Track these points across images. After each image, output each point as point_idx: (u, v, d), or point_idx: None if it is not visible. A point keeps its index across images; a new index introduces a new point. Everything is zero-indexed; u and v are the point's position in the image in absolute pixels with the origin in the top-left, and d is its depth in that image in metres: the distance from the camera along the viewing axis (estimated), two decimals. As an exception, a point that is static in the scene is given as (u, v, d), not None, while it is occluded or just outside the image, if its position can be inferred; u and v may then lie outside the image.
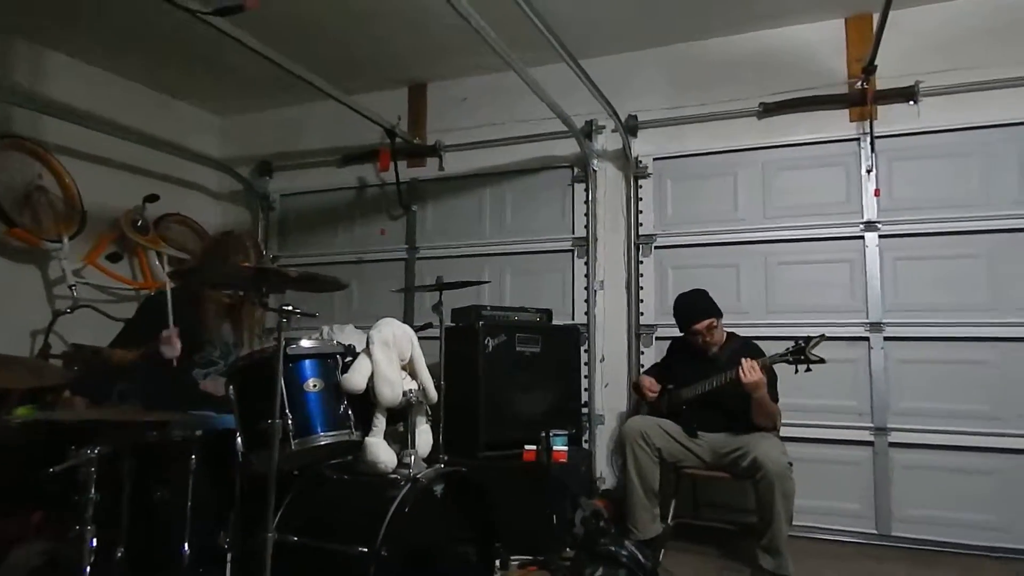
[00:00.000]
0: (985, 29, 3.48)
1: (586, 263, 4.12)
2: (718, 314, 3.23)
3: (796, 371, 2.95)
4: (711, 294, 3.31)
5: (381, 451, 2.25)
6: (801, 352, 2.89)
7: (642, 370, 3.88)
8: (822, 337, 2.91)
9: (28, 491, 2.79)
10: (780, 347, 2.99)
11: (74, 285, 3.85)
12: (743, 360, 2.96)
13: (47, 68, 4.05)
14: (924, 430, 3.40)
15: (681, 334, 3.34)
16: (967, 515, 3.30)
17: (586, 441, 3.94)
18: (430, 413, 2.48)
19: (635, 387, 3.56)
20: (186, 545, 2.06)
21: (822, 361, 2.89)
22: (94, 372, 3.32)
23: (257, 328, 2.82)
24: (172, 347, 2.34)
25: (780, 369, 3.09)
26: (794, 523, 2.96)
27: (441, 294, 3.15)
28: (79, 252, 4.04)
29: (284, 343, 2.01)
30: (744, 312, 3.74)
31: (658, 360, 3.73)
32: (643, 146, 4.09)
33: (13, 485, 2.84)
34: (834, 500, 3.51)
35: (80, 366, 3.47)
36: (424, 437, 2.41)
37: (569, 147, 4.16)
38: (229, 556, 2.07)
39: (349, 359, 2.33)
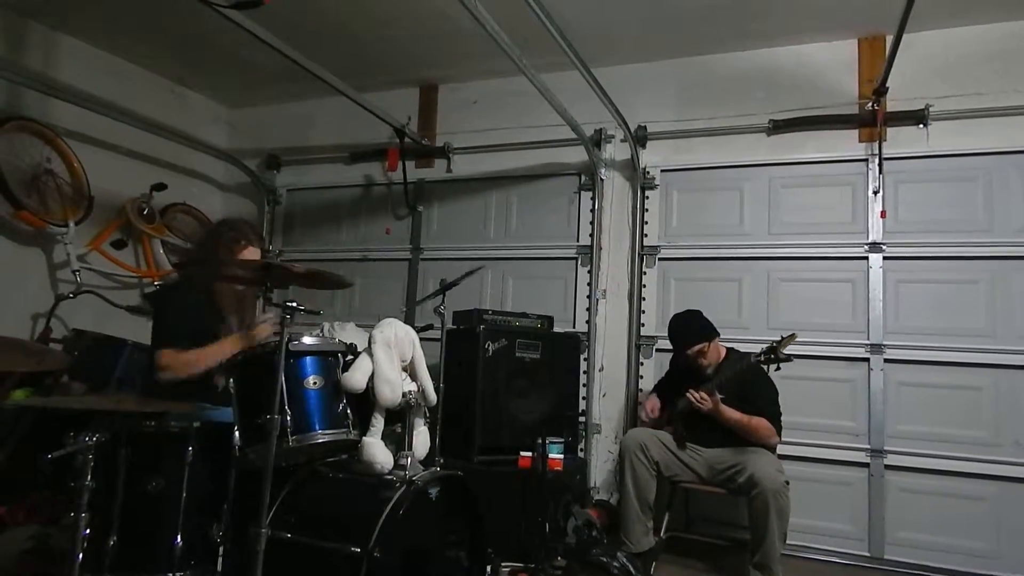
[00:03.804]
0: (994, 56, 3.49)
1: (589, 272, 4.12)
2: (709, 337, 3.21)
3: (767, 371, 2.98)
4: (713, 308, 3.31)
5: (378, 451, 2.25)
6: (773, 351, 2.89)
7: (640, 383, 3.90)
8: (792, 336, 2.90)
9: (22, 474, 2.79)
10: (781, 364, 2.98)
11: (78, 270, 3.86)
12: (690, 391, 3.02)
13: (60, 52, 4.06)
14: (920, 454, 3.40)
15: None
16: (960, 541, 3.30)
17: (582, 450, 3.94)
18: (428, 415, 2.48)
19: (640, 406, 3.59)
20: (179, 537, 2.06)
21: (789, 359, 2.88)
22: (92, 358, 3.32)
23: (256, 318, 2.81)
24: (271, 327, 2.33)
25: (778, 382, 3.09)
26: (786, 541, 2.95)
27: (444, 296, 3.15)
28: (84, 237, 4.04)
29: (286, 339, 2.01)
30: (745, 327, 3.75)
31: (661, 374, 3.74)
32: (651, 157, 4.09)
33: (8, 467, 2.84)
34: (828, 520, 3.50)
35: (80, 351, 3.47)
36: (421, 439, 2.41)
37: (577, 155, 4.17)
38: (221, 550, 2.06)
39: (350, 358, 2.33)
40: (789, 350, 2.88)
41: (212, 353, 2.32)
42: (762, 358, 2.92)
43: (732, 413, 3.01)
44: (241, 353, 2.24)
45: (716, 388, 3.00)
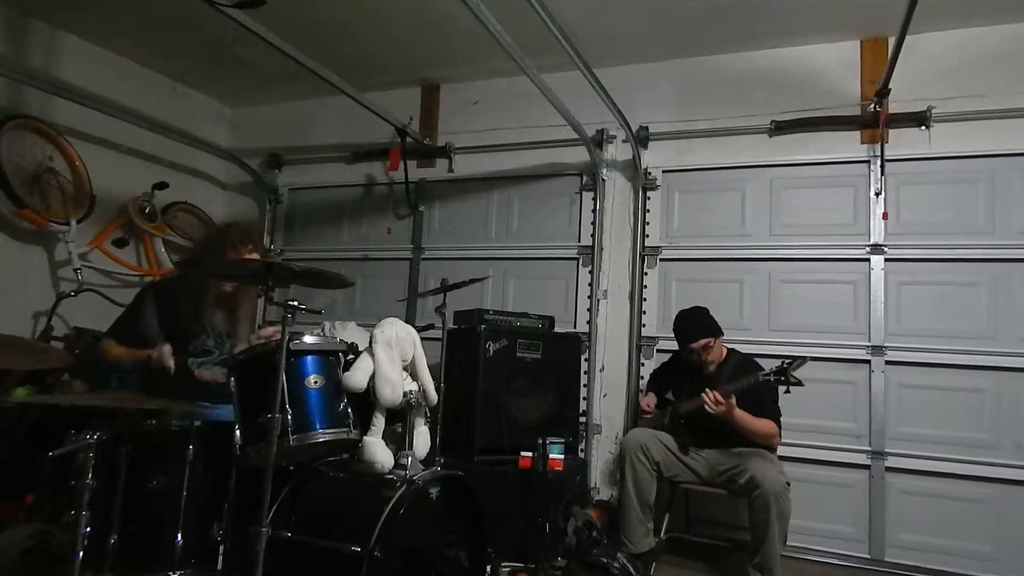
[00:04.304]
0: (996, 58, 3.49)
1: (590, 272, 4.12)
2: (716, 333, 3.22)
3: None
4: (714, 309, 3.31)
5: (379, 451, 2.25)
6: (783, 373, 2.87)
7: (641, 383, 3.90)
8: (804, 360, 2.88)
9: (22, 472, 2.80)
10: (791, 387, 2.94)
11: (79, 269, 3.86)
12: (706, 391, 2.98)
13: (62, 50, 4.06)
14: (921, 456, 3.40)
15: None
16: (960, 543, 3.30)
17: (582, 450, 3.94)
18: (429, 415, 2.48)
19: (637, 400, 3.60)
20: (179, 536, 2.06)
21: (800, 384, 2.86)
22: (94, 357, 3.33)
23: (251, 319, 2.83)
24: (164, 364, 2.36)
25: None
26: (787, 543, 2.94)
27: (445, 296, 3.15)
28: (86, 236, 4.04)
29: (287, 338, 2.01)
30: (746, 328, 3.74)
31: (658, 367, 3.75)
32: (653, 158, 4.09)
33: (8, 465, 2.85)
34: (828, 522, 3.50)
35: (81, 350, 3.48)
36: (422, 439, 2.41)
37: (578, 155, 4.17)
38: (222, 549, 2.06)
39: (351, 357, 2.33)
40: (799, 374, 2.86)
41: (118, 356, 2.48)
42: (771, 378, 2.91)
43: (743, 415, 2.99)
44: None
45: (731, 395, 2.98)
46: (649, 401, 3.43)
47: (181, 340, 2.50)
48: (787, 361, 2.87)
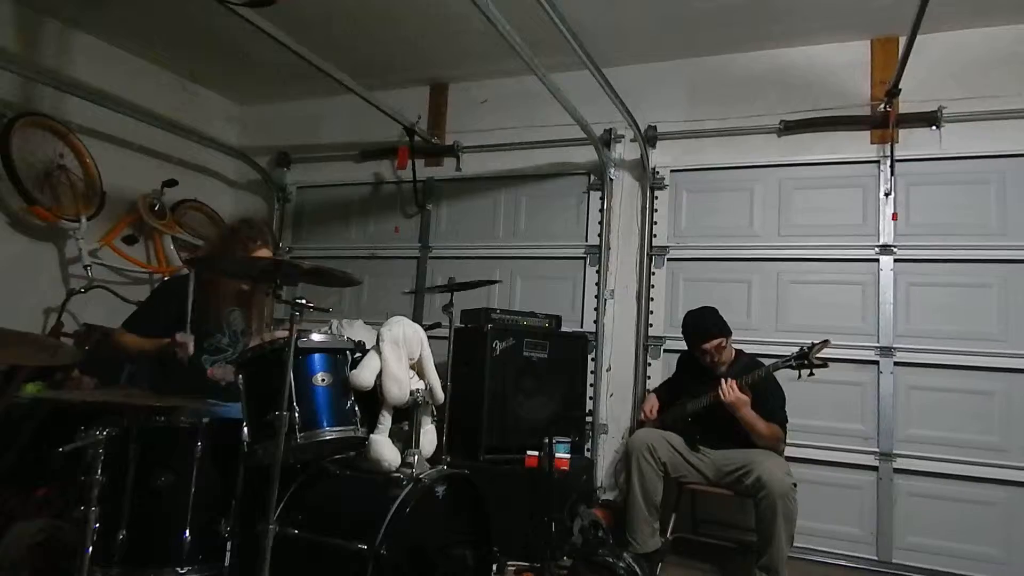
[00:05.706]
0: (1008, 58, 3.46)
1: (598, 271, 4.11)
2: (727, 333, 3.21)
3: (799, 376, 2.92)
4: (722, 309, 3.30)
5: (385, 449, 2.25)
6: (804, 357, 2.85)
7: (648, 383, 3.90)
8: (825, 342, 2.87)
9: (32, 467, 2.82)
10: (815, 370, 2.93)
11: (89, 265, 3.88)
12: (722, 380, 2.97)
13: (73, 48, 4.09)
14: (930, 458, 3.38)
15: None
16: (969, 546, 3.28)
17: (588, 450, 3.93)
18: (435, 413, 2.48)
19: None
20: (187, 532, 2.07)
21: (825, 365, 2.85)
22: (104, 353, 3.35)
23: (267, 318, 2.84)
24: (186, 351, 2.35)
25: (787, 385, 3.08)
26: (793, 544, 2.94)
27: (452, 295, 3.15)
28: (96, 233, 4.06)
29: (295, 336, 2.02)
30: (754, 329, 3.73)
31: (669, 375, 3.74)
32: (661, 157, 4.08)
33: (18, 460, 2.87)
34: (835, 524, 3.48)
35: (91, 346, 3.50)
36: (428, 437, 2.41)
37: (586, 154, 4.16)
38: (229, 545, 2.07)
39: (359, 355, 2.34)
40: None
41: (137, 346, 2.51)
42: (793, 363, 2.89)
43: (751, 414, 2.98)
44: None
45: (746, 386, 2.97)
46: (650, 406, 3.41)
47: (196, 337, 2.50)
48: (807, 345, 2.86)
